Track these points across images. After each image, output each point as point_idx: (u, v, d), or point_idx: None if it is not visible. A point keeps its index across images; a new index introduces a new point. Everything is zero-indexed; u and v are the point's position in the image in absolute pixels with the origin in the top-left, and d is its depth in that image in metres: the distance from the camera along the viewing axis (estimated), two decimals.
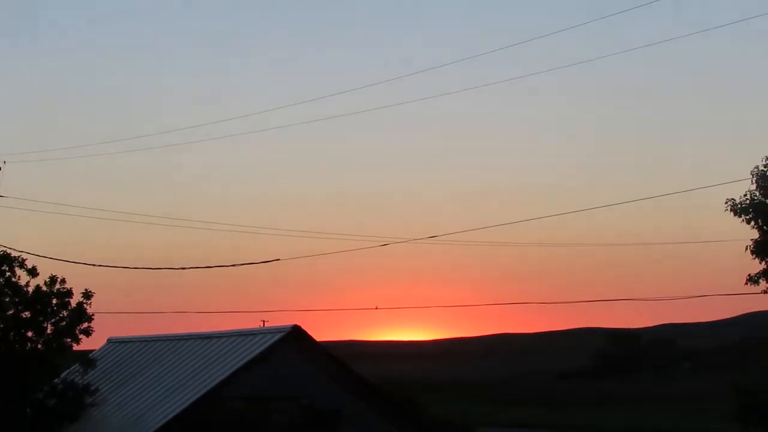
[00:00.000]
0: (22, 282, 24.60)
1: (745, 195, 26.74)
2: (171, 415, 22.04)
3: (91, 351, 25.86)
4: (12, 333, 24.15)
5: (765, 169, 26.68)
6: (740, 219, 26.76)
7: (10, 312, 24.27)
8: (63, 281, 24.77)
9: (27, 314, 24.33)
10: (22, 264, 24.74)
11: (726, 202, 26.86)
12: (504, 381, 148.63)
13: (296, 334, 23.30)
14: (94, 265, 27.44)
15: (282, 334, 23.35)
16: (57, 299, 24.39)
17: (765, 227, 26.55)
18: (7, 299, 24.30)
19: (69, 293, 24.55)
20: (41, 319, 24.27)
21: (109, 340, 27.44)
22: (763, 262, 26.65)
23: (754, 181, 26.74)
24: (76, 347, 24.99)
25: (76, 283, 25.27)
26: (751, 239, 26.72)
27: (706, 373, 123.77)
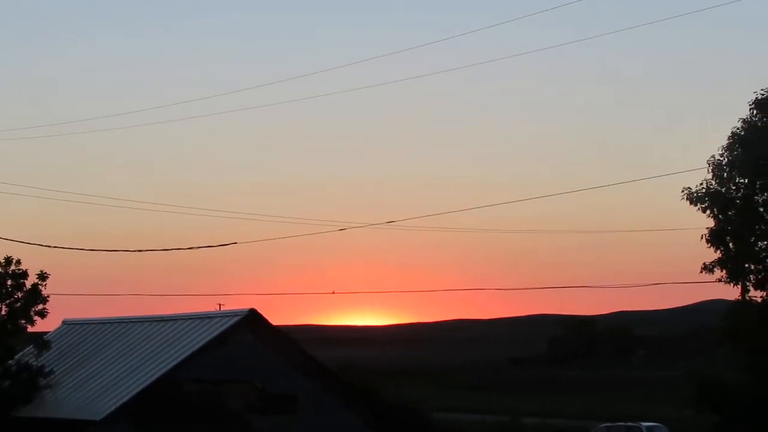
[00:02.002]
0: None
1: (701, 184, 27.09)
2: (126, 398, 22.04)
3: (45, 333, 25.87)
4: (27, 312, 24.18)
5: (721, 159, 27.01)
6: (696, 208, 27.05)
7: None
8: (18, 262, 24.76)
9: None
10: None
11: (682, 191, 27.23)
12: (458, 366, 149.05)
13: (253, 317, 23.34)
14: (49, 246, 27.43)
15: (238, 317, 23.39)
16: (12, 280, 24.36)
17: (720, 216, 26.88)
18: None
19: (24, 275, 24.53)
20: None
21: (64, 322, 27.41)
22: (718, 251, 26.88)
23: (710, 171, 27.07)
24: (30, 329, 24.98)
25: (32, 264, 25.25)
26: (707, 228, 27.01)
27: (660, 361, 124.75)
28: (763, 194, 26.82)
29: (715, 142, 25.62)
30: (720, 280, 26.88)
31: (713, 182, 26.95)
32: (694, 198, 27.05)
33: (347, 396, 23.81)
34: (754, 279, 26.79)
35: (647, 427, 66.53)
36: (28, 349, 24.63)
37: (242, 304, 24.12)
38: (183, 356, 22.69)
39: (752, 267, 26.75)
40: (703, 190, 26.98)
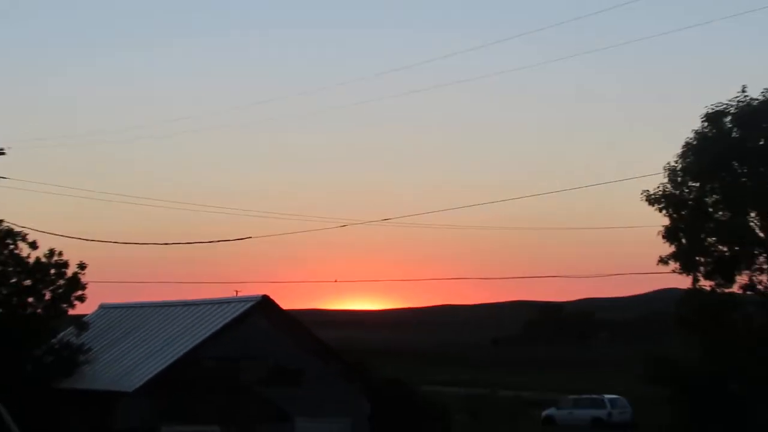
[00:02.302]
0: (24, 254, 24.37)
1: (659, 187, 26.94)
2: (154, 373, 21.80)
3: (84, 315, 25.62)
4: (15, 299, 24.01)
5: (675, 165, 26.82)
6: (653, 208, 26.96)
7: (14, 280, 23.96)
8: (60, 254, 24.53)
9: (28, 282, 23.98)
10: (23, 238, 24.49)
11: (642, 193, 27.12)
12: (444, 346, 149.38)
13: (265, 303, 23.16)
14: (88, 240, 27.21)
15: (252, 302, 23.17)
16: (55, 269, 24.19)
17: (674, 215, 26.75)
18: (11, 269, 24.11)
19: (65, 264, 24.32)
20: (41, 287, 24.08)
21: (101, 306, 27.24)
22: (673, 246, 26.73)
23: (666, 176, 26.93)
24: (71, 312, 24.76)
25: (73, 255, 25.00)
26: (663, 225, 26.91)
27: (620, 342, 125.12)
28: (712, 196, 26.66)
29: (670, 151, 25.98)
30: (674, 271, 26.91)
31: (668, 186, 26.88)
32: (651, 199, 26.99)
33: (346, 371, 23.82)
34: (703, 270, 26.68)
35: (609, 399, 65.89)
36: (69, 329, 24.54)
37: (256, 290, 23.89)
38: (204, 337, 22.55)
39: (702, 260, 26.66)
40: (660, 193, 26.90)
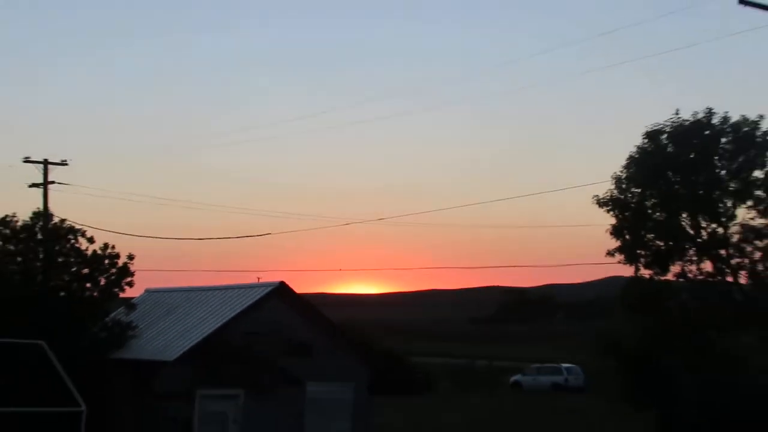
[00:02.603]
0: (83, 247, 24.49)
1: (607, 193, 26.99)
2: (189, 346, 21.88)
3: (132, 298, 25.69)
4: (75, 284, 24.10)
5: (621, 175, 26.89)
6: (603, 210, 27.02)
7: (74, 269, 24.10)
8: (113, 247, 24.70)
9: (86, 271, 24.09)
10: (83, 234, 24.67)
11: (593, 198, 27.17)
12: (430, 324, 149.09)
13: (281, 288, 23.16)
14: (136, 235, 27.72)
15: (271, 288, 23.13)
16: (108, 260, 24.27)
17: (620, 216, 26.79)
18: (72, 260, 24.24)
19: (117, 256, 24.46)
20: (96, 274, 24.15)
21: (146, 290, 27.24)
22: (618, 241, 26.77)
23: (613, 183, 26.97)
24: (121, 295, 24.81)
25: (123, 248, 25.16)
26: (610, 224, 26.94)
27: (575, 321, 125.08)
28: (651, 200, 26.70)
29: (617, 163, 25.80)
30: (619, 262, 26.92)
31: (615, 192, 26.92)
32: (601, 203, 27.04)
33: (348, 343, 23.96)
34: (643, 261, 26.71)
35: (566, 368, 66.19)
36: (119, 310, 24.65)
37: (274, 277, 24.03)
38: (231, 316, 22.55)
39: (642, 253, 26.69)
40: (608, 197, 26.94)
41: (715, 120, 26.37)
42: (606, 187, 27.00)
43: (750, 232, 25.89)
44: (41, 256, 24.05)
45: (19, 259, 23.90)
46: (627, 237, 26.64)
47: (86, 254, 24.16)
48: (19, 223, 24.24)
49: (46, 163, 46.44)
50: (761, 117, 26.19)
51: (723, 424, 22.15)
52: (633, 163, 26.64)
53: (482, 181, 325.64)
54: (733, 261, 26.03)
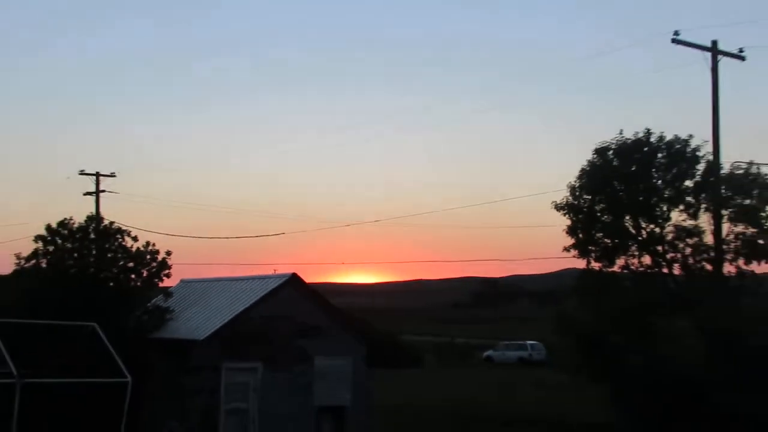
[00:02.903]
0: (129, 245, 24.51)
1: (563, 199, 27.10)
2: (217, 327, 21.78)
3: (169, 287, 25.71)
4: (122, 276, 24.04)
5: (575, 184, 26.98)
6: (560, 213, 27.15)
7: (121, 263, 24.10)
8: (153, 245, 24.67)
9: (131, 264, 24.08)
10: (128, 234, 24.73)
11: (552, 203, 27.31)
12: (418, 308, 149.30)
13: (294, 278, 23.06)
14: (172, 235, 27.94)
15: (285, 278, 23.04)
16: (150, 255, 24.25)
17: (574, 218, 26.88)
18: (119, 255, 24.26)
19: (157, 252, 24.45)
20: (140, 267, 24.09)
21: (181, 280, 27.15)
22: (573, 239, 26.89)
23: (568, 191, 27.10)
24: (160, 284, 24.71)
25: (163, 245, 25.24)
26: (566, 225, 27.05)
27: (538, 305, 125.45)
28: (600, 205, 26.83)
29: (571, 174, 25.80)
30: (574, 257, 27.08)
31: (570, 198, 27.04)
32: (558, 207, 27.20)
33: (349, 325, 23.85)
34: (594, 256, 26.88)
35: (530, 344, 66.44)
36: (159, 297, 24.55)
37: (288, 270, 24.09)
38: (251, 302, 22.38)
39: (593, 249, 26.84)
40: (564, 203, 27.08)
41: (653, 139, 26.56)
42: (562, 195, 27.19)
43: (682, 232, 26.07)
44: (94, 252, 24.12)
45: (75, 255, 23.95)
46: (580, 236, 26.76)
47: (131, 251, 24.26)
48: (76, 225, 24.31)
49: (97, 175, 46.95)
50: (690, 136, 26.52)
51: (661, 393, 22.31)
52: (585, 174, 26.77)
53: (464, 191, 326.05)
54: (668, 256, 26.19)
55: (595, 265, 26.95)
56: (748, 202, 25.58)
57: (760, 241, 25.47)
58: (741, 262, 25.46)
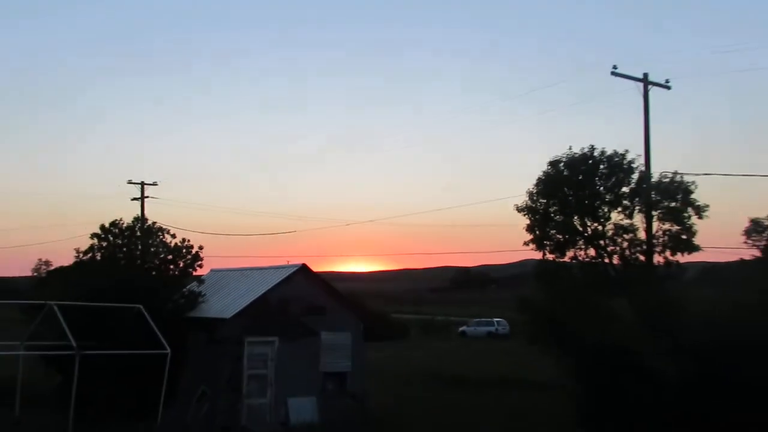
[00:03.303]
0: (168, 241, 24.30)
1: (523, 202, 27.01)
2: (241, 308, 21.50)
3: (201, 275, 25.54)
4: (162, 266, 23.75)
5: (533, 190, 26.91)
6: (521, 214, 27.06)
7: (162, 256, 23.85)
8: (188, 241, 24.41)
9: (170, 257, 23.83)
10: (168, 232, 24.51)
11: (515, 206, 27.23)
12: (405, 291, 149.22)
13: (303, 268, 22.81)
14: (204, 233, 27.83)
15: (296, 268, 22.76)
16: (185, 250, 23.97)
17: (532, 218, 26.77)
18: (160, 249, 24.07)
19: (191, 247, 24.17)
20: (177, 259, 23.84)
21: (211, 270, 26.91)
22: (531, 235, 26.73)
23: (527, 196, 27.02)
24: (194, 273, 24.41)
25: (196, 241, 24.98)
26: (526, 224, 26.94)
27: (504, 290, 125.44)
28: (553, 207, 26.72)
29: (530, 182, 25.78)
30: (532, 249, 26.98)
31: (529, 202, 26.96)
32: (519, 209, 27.09)
33: (348, 306, 23.60)
34: (548, 249, 26.74)
35: (496, 321, 66.27)
36: (193, 283, 24.35)
37: (299, 261, 23.87)
38: (269, 287, 22.10)
39: (547, 243, 26.68)
40: (524, 206, 26.97)
41: (596, 153, 26.50)
42: (523, 199, 27.14)
43: (620, 229, 26.05)
44: (139, 247, 23.92)
45: (124, 249, 23.77)
46: (537, 232, 26.68)
47: (170, 246, 24.04)
48: (124, 225, 24.11)
49: (142, 184, 47.08)
50: (626, 151, 26.51)
51: (602, 357, 22.14)
52: (541, 182, 26.73)
53: (443, 196, 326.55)
54: (609, 248, 26.14)
55: (550, 256, 26.85)
56: (673, 204, 25.68)
57: (683, 237, 25.55)
58: (668, 253, 25.63)
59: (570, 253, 26.62)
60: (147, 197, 47.18)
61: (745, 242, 33.17)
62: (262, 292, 22.11)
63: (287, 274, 22.63)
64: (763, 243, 33.32)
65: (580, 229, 26.37)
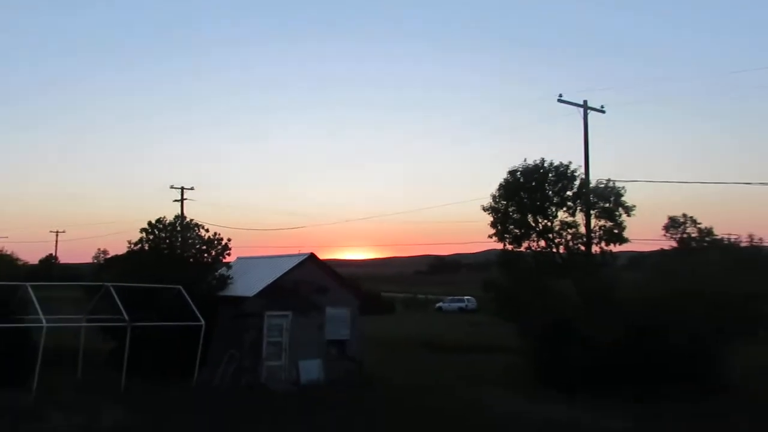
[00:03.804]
0: (203, 234, 23.93)
1: (488, 203, 26.90)
2: (261, 287, 21.16)
3: (230, 262, 25.21)
4: (198, 255, 22.97)
5: (496, 195, 26.81)
6: (486, 213, 26.96)
7: (197, 246, 23.30)
8: (219, 234, 24.00)
9: (204, 247, 23.32)
10: (203, 227, 24.13)
11: (481, 206, 27.15)
12: (394, 275, 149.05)
13: (312, 256, 22.51)
14: (232, 228, 27.61)
15: (306, 256, 22.47)
16: (216, 242, 23.54)
17: (495, 216, 26.60)
18: (196, 241, 23.64)
19: (221, 239, 23.72)
20: (210, 249, 23.36)
21: (238, 258, 26.47)
22: (495, 230, 26.59)
23: (491, 198, 26.96)
24: (224, 261, 23.94)
25: (225, 234, 24.69)
26: (490, 220, 26.78)
27: (472, 273, 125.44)
28: (512, 208, 26.59)
29: (493, 187, 25.62)
30: (495, 241, 26.82)
31: (492, 203, 26.83)
32: (485, 209, 26.98)
33: (348, 286, 23.33)
34: (508, 240, 26.59)
35: (466, 298, 66.15)
36: (222, 268, 23.85)
37: (308, 250, 23.58)
38: (284, 271, 21.71)
39: (507, 236, 26.54)
40: (489, 206, 26.85)
41: (546, 164, 26.54)
42: (487, 201, 27.06)
43: (565, 225, 26.07)
44: (179, 239, 23.60)
45: (167, 241, 23.41)
46: (499, 227, 26.57)
47: (204, 238, 23.67)
48: (167, 221, 23.79)
49: (182, 189, 46.80)
50: (570, 162, 26.57)
51: (550, 327, 22.15)
52: (502, 187, 26.67)
53: (425, 198, 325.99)
54: (556, 240, 26.09)
55: (509, 247, 26.74)
56: (607, 205, 25.72)
57: (615, 231, 25.59)
58: (603, 244, 25.66)
59: (525, 244, 26.58)
60: (185, 199, 47.08)
61: (664, 235, 33.46)
62: (279, 275, 21.89)
63: (298, 261, 22.38)
64: (679, 236, 33.54)
65: (533, 225, 26.29)
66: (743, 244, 28.39)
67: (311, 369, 21.16)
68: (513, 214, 26.58)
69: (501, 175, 27.02)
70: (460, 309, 62.49)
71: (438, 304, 66.94)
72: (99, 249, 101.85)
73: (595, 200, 25.63)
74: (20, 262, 57.80)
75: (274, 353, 20.99)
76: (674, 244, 33.03)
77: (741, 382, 18.42)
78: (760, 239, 28.48)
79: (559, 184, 26.19)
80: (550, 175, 26.31)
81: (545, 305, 23.48)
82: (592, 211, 25.53)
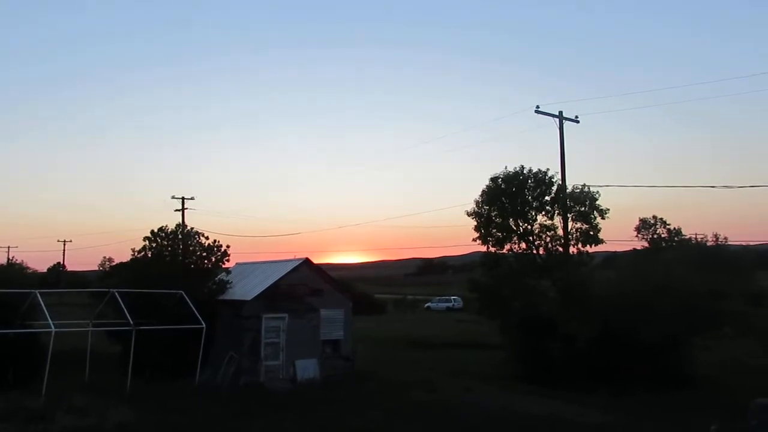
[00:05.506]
0: (203, 241, 23.79)
1: (472, 208, 26.83)
2: (259, 291, 21.04)
3: (228, 267, 25.10)
4: (199, 261, 23.16)
5: (479, 200, 26.69)
6: (470, 218, 26.90)
7: (198, 253, 23.34)
8: (218, 241, 23.87)
9: (204, 254, 23.33)
10: (203, 235, 23.97)
11: (465, 211, 27.05)
12: (386, 276, 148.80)
13: (307, 261, 22.42)
14: (231, 235, 27.51)
15: (301, 260, 22.39)
16: (216, 248, 23.42)
17: (478, 221, 26.50)
18: (197, 248, 23.53)
19: (221, 246, 23.64)
20: (210, 256, 23.28)
21: (237, 263, 26.36)
22: (477, 233, 26.44)
23: (474, 204, 26.82)
24: (223, 266, 23.78)
25: (225, 242, 24.63)
26: (474, 225, 26.71)
27: (458, 275, 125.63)
28: (494, 212, 26.50)
29: (476, 193, 25.58)
30: (479, 244, 26.66)
31: (476, 208, 26.69)
32: (469, 214, 26.93)
33: (341, 288, 23.27)
34: (491, 243, 26.48)
35: (453, 298, 66.19)
36: (222, 273, 23.70)
37: (303, 255, 23.54)
38: (280, 275, 21.60)
39: (490, 239, 26.42)
40: (473, 211, 26.74)
41: (525, 171, 26.50)
42: (471, 206, 26.92)
43: (544, 228, 26.01)
44: (181, 247, 23.49)
45: (169, 248, 23.30)
46: (482, 231, 26.49)
47: (204, 245, 23.61)
48: (169, 230, 23.67)
49: (183, 198, 46.54)
50: (548, 169, 26.55)
51: (531, 324, 22.26)
52: (484, 193, 26.58)
53: (414, 205, 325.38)
54: (536, 242, 26.04)
55: (492, 249, 26.64)
56: (583, 209, 25.72)
57: (591, 233, 25.67)
58: (579, 245, 25.60)
59: (507, 247, 26.42)
60: (186, 208, 46.83)
61: (636, 236, 33.71)
62: (276, 279, 21.82)
63: (294, 266, 22.31)
64: (649, 236, 33.83)
65: (515, 228, 26.26)
66: (709, 243, 28.68)
67: (308, 368, 21.08)
68: (495, 219, 26.48)
69: (484, 182, 27.04)
70: (448, 308, 62.51)
71: (427, 304, 66.85)
72: (105, 257, 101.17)
73: (572, 204, 25.62)
74: (30, 271, 57.23)
75: (272, 353, 20.92)
76: (645, 244, 33.30)
77: (707, 375, 18.60)
78: (725, 238, 28.84)
79: (538, 190, 26.18)
80: (529, 181, 26.28)
81: (526, 303, 23.54)
82: (569, 215, 25.56)
